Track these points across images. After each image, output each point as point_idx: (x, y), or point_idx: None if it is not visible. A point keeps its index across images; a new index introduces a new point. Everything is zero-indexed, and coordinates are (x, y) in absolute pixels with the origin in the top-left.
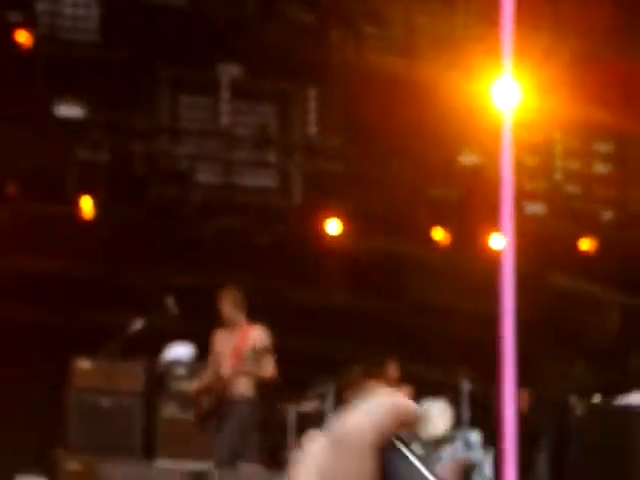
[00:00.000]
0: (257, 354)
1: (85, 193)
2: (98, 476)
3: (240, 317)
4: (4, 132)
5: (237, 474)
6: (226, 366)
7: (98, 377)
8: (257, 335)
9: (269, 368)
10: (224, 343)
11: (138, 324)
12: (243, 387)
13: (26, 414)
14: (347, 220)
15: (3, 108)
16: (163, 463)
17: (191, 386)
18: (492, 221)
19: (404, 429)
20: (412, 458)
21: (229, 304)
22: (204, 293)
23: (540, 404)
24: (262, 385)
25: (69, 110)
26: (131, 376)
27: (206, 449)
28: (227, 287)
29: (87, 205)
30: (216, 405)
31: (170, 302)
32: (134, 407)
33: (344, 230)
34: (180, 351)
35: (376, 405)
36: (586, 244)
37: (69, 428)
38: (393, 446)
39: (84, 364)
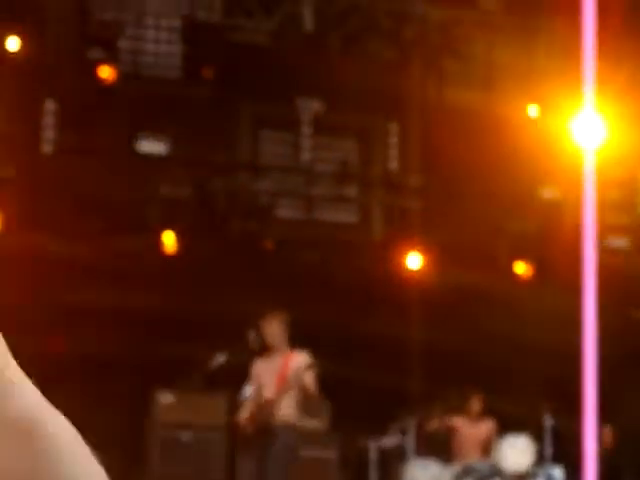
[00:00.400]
0: (299, 375)
1: (167, 228)
2: None
3: (283, 343)
4: (88, 168)
5: None
6: (269, 391)
7: (180, 411)
8: (301, 360)
9: (311, 384)
10: (266, 370)
11: (220, 358)
12: (287, 412)
13: (108, 448)
14: (427, 255)
15: (87, 144)
16: None
17: (240, 416)
18: (574, 256)
19: None
20: None
21: (276, 329)
22: (285, 325)
23: (623, 441)
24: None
25: (151, 146)
26: (213, 410)
27: None
28: (274, 312)
29: (169, 239)
30: (259, 431)
31: (252, 336)
32: (216, 441)
33: (424, 265)
34: None
35: None
36: None
37: (151, 462)
38: None
39: (166, 398)
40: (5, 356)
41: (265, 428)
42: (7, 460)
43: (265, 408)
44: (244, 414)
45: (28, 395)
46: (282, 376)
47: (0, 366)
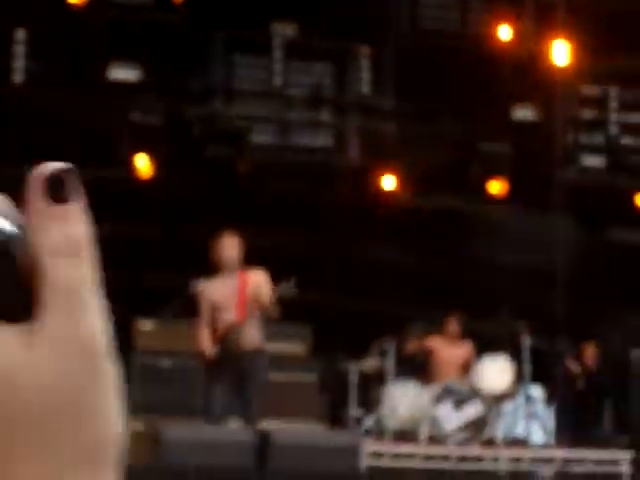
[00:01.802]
0: (258, 292)
1: (140, 155)
2: (161, 437)
3: (238, 262)
4: (60, 97)
5: (300, 433)
6: (232, 313)
7: (160, 338)
8: (258, 278)
9: (268, 300)
10: (221, 291)
11: (198, 285)
12: (253, 337)
13: None
14: (402, 177)
15: (59, 73)
16: (227, 423)
17: (200, 342)
18: (548, 175)
19: None
20: None
21: (230, 249)
22: (261, 251)
23: (604, 359)
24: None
25: (123, 73)
26: (193, 336)
27: (270, 408)
28: (227, 232)
29: (143, 165)
30: (225, 357)
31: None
32: (196, 368)
33: (399, 188)
34: None
35: None
36: None
37: (131, 389)
38: None
39: (145, 326)
40: (85, 276)
41: (234, 355)
42: (64, 375)
43: (229, 332)
44: (203, 340)
45: (98, 321)
46: (242, 296)
47: (78, 284)
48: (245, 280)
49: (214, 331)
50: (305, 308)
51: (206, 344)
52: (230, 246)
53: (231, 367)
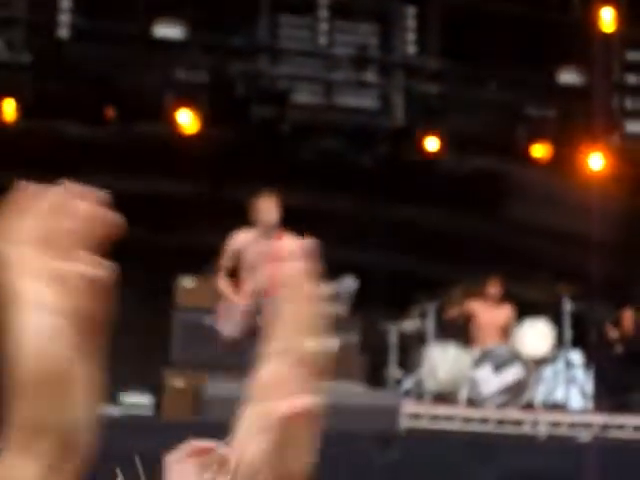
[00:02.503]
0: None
1: (184, 112)
2: (203, 393)
3: (275, 225)
4: (105, 53)
5: (339, 392)
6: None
7: (202, 295)
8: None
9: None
10: (254, 250)
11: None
12: None
13: (130, 334)
14: (446, 140)
15: (103, 29)
16: None
17: (231, 297)
18: (594, 141)
19: None
20: None
21: (269, 210)
22: (303, 213)
23: None
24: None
25: (168, 31)
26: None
27: None
28: (266, 192)
29: (186, 122)
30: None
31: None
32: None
33: (444, 150)
34: None
35: None
36: None
37: (173, 346)
38: None
39: (188, 283)
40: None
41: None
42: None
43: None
44: (233, 296)
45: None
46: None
47: None
48: (282, 243)
49: (244, 289)
50: (346, 268)
51: (237, 299)
52: (268, 207)
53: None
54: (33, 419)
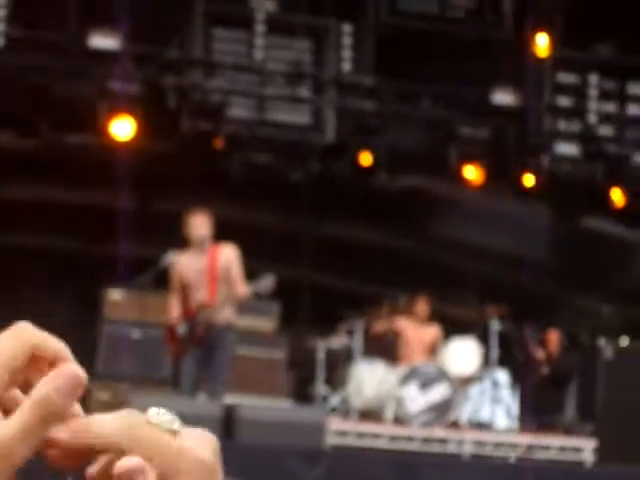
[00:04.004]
0: (229, 268)
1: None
2: (127, 406)
3: (208, 239)
4: (39, 62)
5: (266, 408)
6: (204, 292)
7: (129, 308)
8: (229, 252)
9: (242, 287)
10: (191, 268)
11: (170, 256)
12: (227, 314)
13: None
14: (379, 156)
15: (38, 38)
16: (194, 396)
17: (169, 315)
18: (525, 162)
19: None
20: None
21: (201, 226)
22: (234, 226)
23: (569, 346)
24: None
25: (102, 41)
26: (162, 307)
27: (237, 383)
28: (198, 208)
29: (118, 133)
30: (198, 333)
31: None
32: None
33: (374, 166)
34: None
35: None
36: (617, 192)
37: (100, 358)
38: None
39: (116, 295)
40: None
41: (205, 329)
42: None
43: (200, 312)
44: (173, 313)
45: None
46: (212, 274)
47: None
48: (215, 257)
49: (185, 308)
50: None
51: (175, 320)
52: (200, 223)
53: (200, 345)
54: None
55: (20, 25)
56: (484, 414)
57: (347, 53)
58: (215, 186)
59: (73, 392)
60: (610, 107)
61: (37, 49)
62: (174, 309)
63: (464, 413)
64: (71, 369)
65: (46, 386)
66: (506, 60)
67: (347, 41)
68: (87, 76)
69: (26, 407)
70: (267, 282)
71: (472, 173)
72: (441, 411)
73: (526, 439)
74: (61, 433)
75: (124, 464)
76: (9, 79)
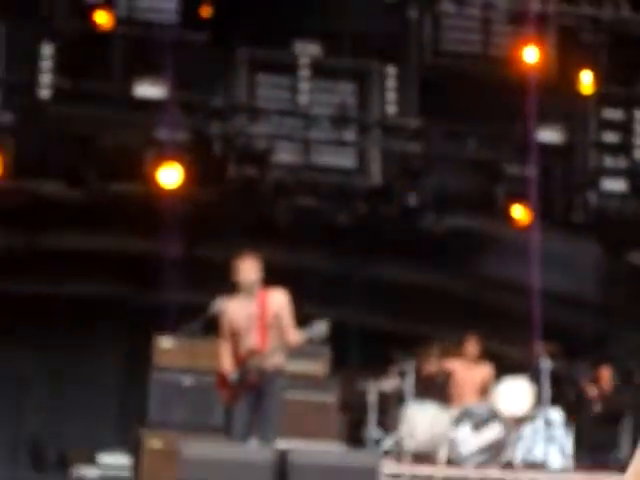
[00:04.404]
0: (280, 314)
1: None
2: (180, 454)
3: (257, 284)
4: (85, 113)
5: (318, 453)
6: (254, 337)
7: (179, 355)
8: (279, 301)
9: (294, 334)
10: (240, 314)
11: (219, 302)
12: (277, 359)
13: (108, 392)
14: (426, 198)
15: (84, 89)
16: (247, 442)
17: (220, 362)
18: (573, 199)
19: None
20: None
21: (250, 271)
22: (282, 271)
23: (622, 383)
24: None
25: (148, 90)
26: (212, 354)
27: (289, 428)
28: (247, 253)
29: (166, 181)
30: (250, 380)
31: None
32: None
33: (423, 209)
34: None
35: None
36: None
37: (151, 406)
38: None
39: (165, 342)
40: None
41: (257, 375)
42: None
43: (252, 357)
44: (224, 360)
45: None
46: (262, 320)
47: None
48: (265, 302)
49: (236, 355)
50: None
51: (227, 368)
52: (249, 268)
53: (252, 392)
54: None
55: (66, 76)
56: (538, 454)
57: (391, 95)
58: (262, 231)
59: None
60: None
61: (83, 99)
62: (225, 356)
63: (518, 453)
64: None
65: None
66: (551, 97)
67: (391, 83)
68: (134, 125)
69: None
70: (321, 328)
71: (520, 212)
72: (494, 452)
73: (581, 478)
74: None
75: None
76: (57, 130)
